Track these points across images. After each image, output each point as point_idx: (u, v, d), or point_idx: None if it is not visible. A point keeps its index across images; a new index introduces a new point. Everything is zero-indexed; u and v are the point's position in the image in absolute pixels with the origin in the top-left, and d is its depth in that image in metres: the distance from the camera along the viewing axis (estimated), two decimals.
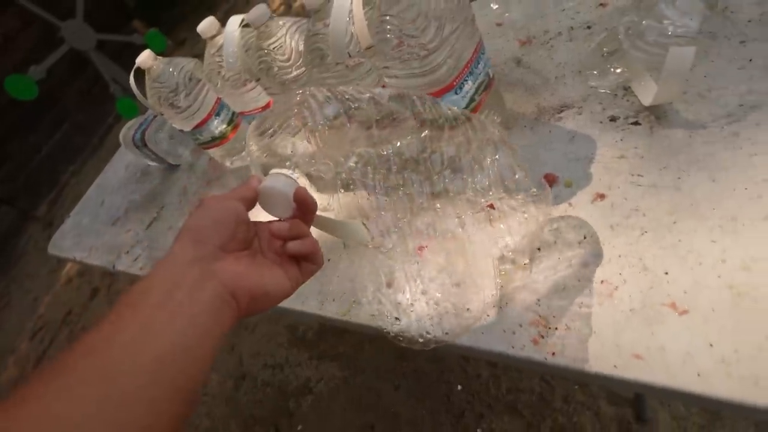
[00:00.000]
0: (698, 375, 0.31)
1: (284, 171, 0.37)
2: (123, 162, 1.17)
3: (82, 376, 0.22)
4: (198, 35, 0.64)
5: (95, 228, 1.01)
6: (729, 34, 0.46)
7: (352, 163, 0.43)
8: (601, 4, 0.60)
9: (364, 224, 0.44)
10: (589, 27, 0.59)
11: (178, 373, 0.25)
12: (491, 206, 0.42)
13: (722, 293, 0.33)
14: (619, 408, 0.88)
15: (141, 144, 0.95)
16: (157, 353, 0.24)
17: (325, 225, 0.42)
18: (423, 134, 0.41)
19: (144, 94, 0.76)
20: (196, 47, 3.65)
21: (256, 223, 0.35)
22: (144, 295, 0.27)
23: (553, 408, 0.92)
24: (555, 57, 0.60)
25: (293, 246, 0.34)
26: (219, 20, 0.66)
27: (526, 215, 0.41)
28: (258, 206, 0.36)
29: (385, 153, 0.42)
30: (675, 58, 0.39)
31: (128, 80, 0.74)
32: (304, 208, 0.35)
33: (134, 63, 0.73)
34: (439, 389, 1.07)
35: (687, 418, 0.81)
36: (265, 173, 0.38)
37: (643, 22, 0.40)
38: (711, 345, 0.32)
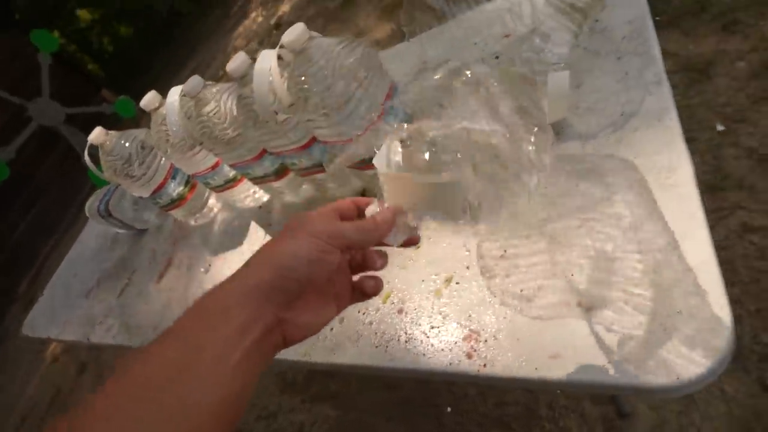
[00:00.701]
0: (605, 365, 0.34)
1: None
2: (93, 233, 1.19)
3: (159, 410, 0.22)
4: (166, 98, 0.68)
5: (68, 302, 1.02)
6: (608, 51, 0.52)
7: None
8: (505, 36, 0.66)
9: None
10: (497, 57, 0.65)
11: (233, 417, 0.24)
12: None
13: (617, 285, 0.37)
14: (602, 407, 0.89)
15: (106, 214, 0.98)
16: (222, 396, 0.24)
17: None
18: None
19: (100, 168, 0.79)
20: None
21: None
22: (221, 322, 0.25)
23: (539, 416, 0.93)
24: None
25: (367, 287, 0.34)
26: (186, 79, 0.69)
27: None
28: None
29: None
30: (554, 82, 0.44)
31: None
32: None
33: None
34: (429, 414, 1.08)
35: (663, 407, 0.83)
36: None
37: (523, 54, 0.46)
38: (614, 336, 0.35)
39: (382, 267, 0.34)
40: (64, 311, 1.01)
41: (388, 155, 0.33)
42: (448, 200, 0.32)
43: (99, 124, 0.80)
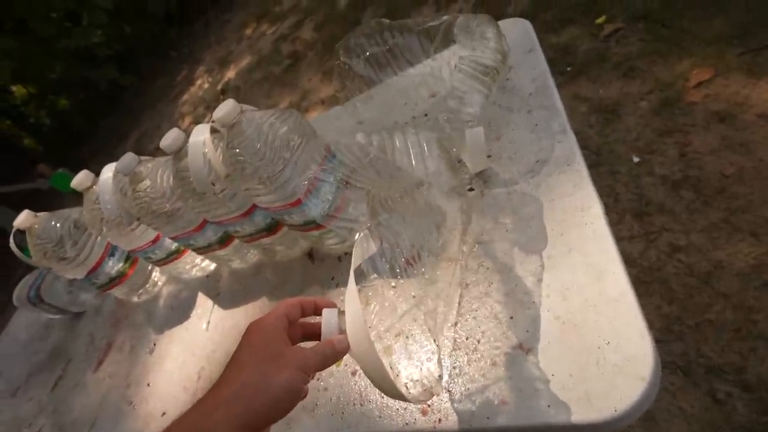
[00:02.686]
0: (548, 407, 0.35)
1: None
2: (22, 323, 1.09)
3: None
4: None
5: None
6: (519, 107, 0.57)
7: None
8: (431, 95, 0.72)
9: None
10: (426, 115, 0.70)
11: None
12: None
13: (552, 325, 0.39)
14: None
15: (37, 300, 0.91)
16: None
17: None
18: None
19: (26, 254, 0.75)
20: None
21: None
22: None
23: None
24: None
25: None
26: (131, 149, 0.68)
27: None
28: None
29: None
30: (471, 137, 0.48)
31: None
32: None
33: (42, 209, 0.73)
34: None
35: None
36: None
37: (442, 116, 0.50)
38: (552, 375, 0.36)
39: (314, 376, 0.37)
40: None
41: (366, 250, 0.38)
42: (386, 391, 0.35)
43: (36, 202, 0.77)
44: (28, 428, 0.79)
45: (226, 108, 0.47)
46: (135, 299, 0.85)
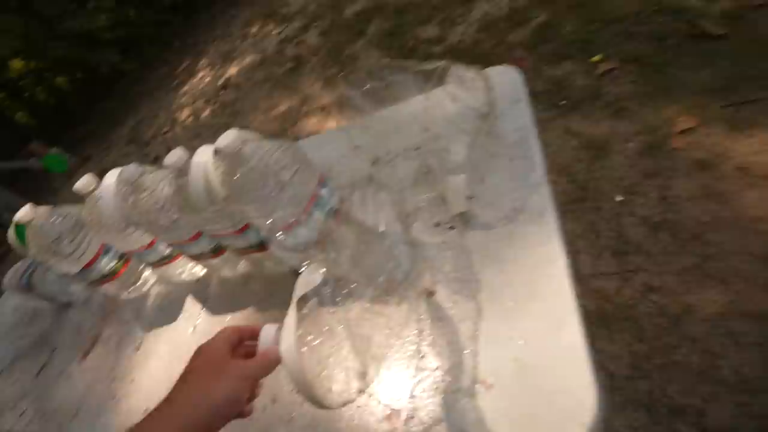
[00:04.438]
0: None
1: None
2: (9, 306, 1.11)
3: None
4: (104, 151, 0.69)
5: None
6: (502, 154, 0.61)
7: None
8: (425, 129, 0.76)
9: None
10: (417, 148, 0.74)
11: None
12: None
13: (510, 365, 0.43)
14: None
15: (28, 287, 0.93)
16: None
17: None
18: None
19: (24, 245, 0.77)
20: (102, 162, 3.61)
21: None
22: None
23: None
24: (397, 173, 0.73)
25: (246, 412, 0.42)
26: (126, 135, 0.71)
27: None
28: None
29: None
30: (452, 183, 0.52)
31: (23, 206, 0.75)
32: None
33: (32, 188, 0.75)
34: None
35: None
36: None
37: (429, 160, 0.54)
38: (510, 413, 0.40)
39: (256, 396, 0.43)
40: None
41: (310, 281, 0.43)
42: (316, 403, 0.40)
43: (26, 180, 0.79)
44: (10, 410, 0.81)
45: (230, 138, 0.50)
46: (125, 295, 0.88)
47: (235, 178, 0.52)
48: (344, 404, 0.45)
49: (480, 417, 0.41)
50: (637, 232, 1.16)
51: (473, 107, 0.58)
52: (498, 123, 0.63)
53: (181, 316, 0.78)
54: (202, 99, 3.49)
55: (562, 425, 0.38)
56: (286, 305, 0.68)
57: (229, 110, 3.01)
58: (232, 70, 3.49)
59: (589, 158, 1.35)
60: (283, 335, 0.39)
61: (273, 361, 0.39)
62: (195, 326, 0.74)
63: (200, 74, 3.92)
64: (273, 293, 0.70)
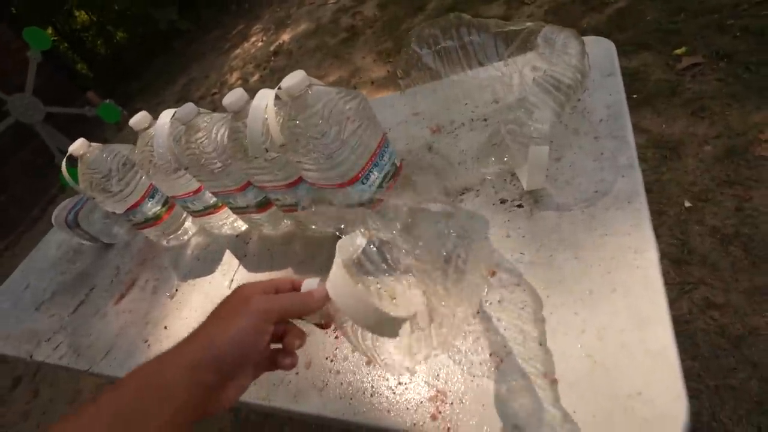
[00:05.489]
0: None
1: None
2: (55, 241, 1.14)
3: None
4: (154, 107, 0.68)
5: (15, 313, 0.96)
6: (587, 131, 0.55)
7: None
8: (495, 101, 0.70)
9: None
10: (485, 120, 0.68)
11: None
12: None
13: (582, 362, 0.38)
14: None
15: (74, 224, 0.95)
16: None
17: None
18: None
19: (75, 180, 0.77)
20: None
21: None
22: (147, 412, 0.28)
23: None
24: (459, 144, 0.67)
25: (286, 365, 0.36)
26: (177, 93, 0.70)
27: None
28: None
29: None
30: (534, 155, 0.46)
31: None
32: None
33: (85, 135, 0.75)
34: None
35: None
36: None
37: (508, 125, 0.48)
38: (574, 412, 0.36)
39: (299, 347, 0.36)
40: (8, 322, 0.95)
41: (352, 245, 0.38)
42: (385, 330, 0.33)
43: (79, 126, 0.79)
44: (46, 342, 0.83)
45: (296, 78, 0.47)
46: (164, 243, 0.88)
47: (296, 123, 0.48)
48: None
49: (538, 413, 0.37)
50: (704, 242, 1.06)
51: (561, 79, 0.52)
52: (585, 97, 0.56)
53: (218, 269, 0.77)
54: (252, 63, 3.50)
55: None
56: (326, 269, 0.65)
57: (278, 76, 3.00)
58: (285, 37, 3.47)
59: (657, 159, 1.24)
60: (332, 271, 0.34)
61: (309, 298, 0.34)
62: (231, 281, 0.73)
63: (253, 39, 3.93)
64: (314, 256, 0.67)
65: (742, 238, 1.03)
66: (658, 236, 1.10)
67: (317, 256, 0.67)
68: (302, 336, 0.37)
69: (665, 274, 1.06)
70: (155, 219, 0.82)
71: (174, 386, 0.29)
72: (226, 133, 0.59)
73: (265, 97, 0.52)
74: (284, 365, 0.36)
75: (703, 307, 0.98)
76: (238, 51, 3.95)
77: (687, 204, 1.13)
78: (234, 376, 0.32)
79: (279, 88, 0.49)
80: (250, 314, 0.32)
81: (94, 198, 0.78)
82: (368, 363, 0.49)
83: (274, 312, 0.33)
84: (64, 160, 0.80)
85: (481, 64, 0.64)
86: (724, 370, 0.90)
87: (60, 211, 0.99)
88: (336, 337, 0.53)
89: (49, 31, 5.73)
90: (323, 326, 0.38)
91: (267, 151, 0.54)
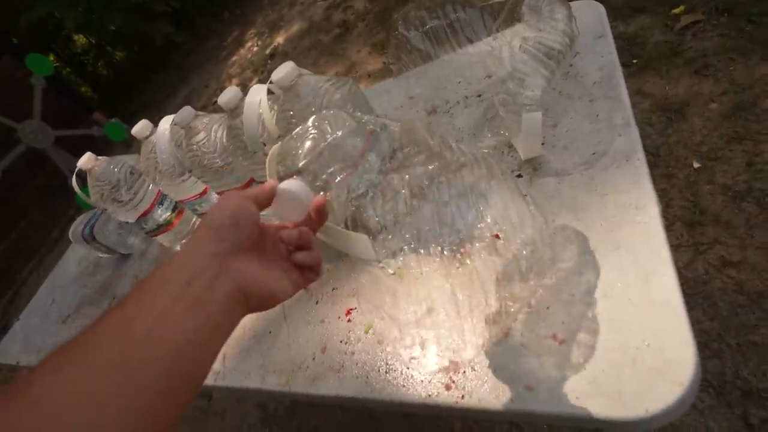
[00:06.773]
0: (576, 398, 0.35)
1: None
2: (75, 257, 1.17)
3: (102, 358, 0.23)
4: (158, 121, 0.70)
5: (45, 328, 0.99)
6: (581, 95, 0.55)
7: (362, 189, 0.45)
8: (487, 76, 0.70)
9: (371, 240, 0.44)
10: (479, 96, 0.68)
11: (192, 366, 0.26)
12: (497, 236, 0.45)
13: (590, 321, 0.38)
14: None
15: (90, 238, 0.97)
16: (173, 345, 0.25)
17: (333, 234, 0.42)
18: (431, 167, 0.43)
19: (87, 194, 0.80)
20: None
21: (264, 225, 0.36)
22: (164, 284, 0.28)
23: None
24: (455, 123, 0.68)
25: (301, 257, 0.36)
26: (179, 105, 0.71)
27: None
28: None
29: (395, 182, 0.45)
30: (528, 122, 0.46)
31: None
32: (318, 216, 0.38)
33: (94, 154, 0.77)
34: None
35: None
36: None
37: (500, 97, 0.48)
38: (584, 369, 0.36)
39: (319, 264, 0.38)
40: (39, 337, 0.98)
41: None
42: (360, 249, 0.34)
43: (88, 147, 0.81)
44: None
45: (286, 69, 0.48)
46: (177, 247, 0.90)
47: (290, 113, 0.49)
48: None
49: (549, 374, 0.37)
50: (715, 201, 1.04)
51: (549, 45, 0.51)
52: (577, 62, 0.56)
53: None
54: (250, 69, 3.52)
55: (652, 384, 0.33)
56: (336, 261, 0.66)
57: None
58: (279, 39, 3.49)
59: (662, 121, 1.22)
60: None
61: (266, 186, 0.35)
62: None
63: (248, 44, 3.96)
64: (322, 248, 0.68)
65: (755, 194, 1.01)
66: (668, 199, 1.10)
67: (324, 249, 0.68)
68: (318, 259, 0.38)
69: (679, 236, 1.05)
70: (167, 225, 0.84)
71: (188, 263, 0.29)
72: (225, 131, 0.60)
73: (258, 92, 0.54)
74: (306, 259, 0.36)
75: (719, 266, 0.97)
76: (234, 58, 3.97)
77: (696, 165, 1.11)
78: (237, 242, 0.31)
79: (270, 82, 0.50)
80: (229, 200, 0.33)
81: (106, 209, 0.80)
82: (380, 342, 0.50)
83: (251, 195, 0.34)
84: (74, 180, 0.83)
85: (470, 41, 0.64)
86: (745, 327, 0.89)
87: (76, 226, 1.02)
88: (349, 321, 0.54)
89: (51, 57, 5.84)
90: (312, 273, 0.38)
91: (265, 145, 0.55)
